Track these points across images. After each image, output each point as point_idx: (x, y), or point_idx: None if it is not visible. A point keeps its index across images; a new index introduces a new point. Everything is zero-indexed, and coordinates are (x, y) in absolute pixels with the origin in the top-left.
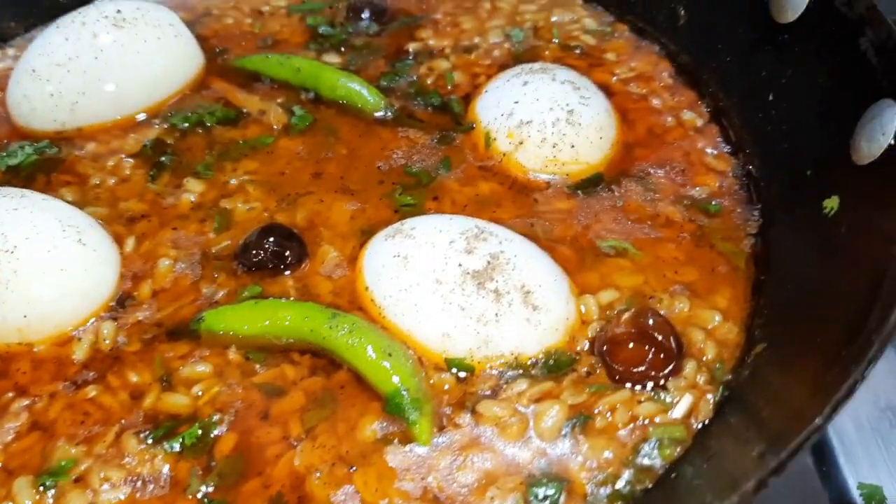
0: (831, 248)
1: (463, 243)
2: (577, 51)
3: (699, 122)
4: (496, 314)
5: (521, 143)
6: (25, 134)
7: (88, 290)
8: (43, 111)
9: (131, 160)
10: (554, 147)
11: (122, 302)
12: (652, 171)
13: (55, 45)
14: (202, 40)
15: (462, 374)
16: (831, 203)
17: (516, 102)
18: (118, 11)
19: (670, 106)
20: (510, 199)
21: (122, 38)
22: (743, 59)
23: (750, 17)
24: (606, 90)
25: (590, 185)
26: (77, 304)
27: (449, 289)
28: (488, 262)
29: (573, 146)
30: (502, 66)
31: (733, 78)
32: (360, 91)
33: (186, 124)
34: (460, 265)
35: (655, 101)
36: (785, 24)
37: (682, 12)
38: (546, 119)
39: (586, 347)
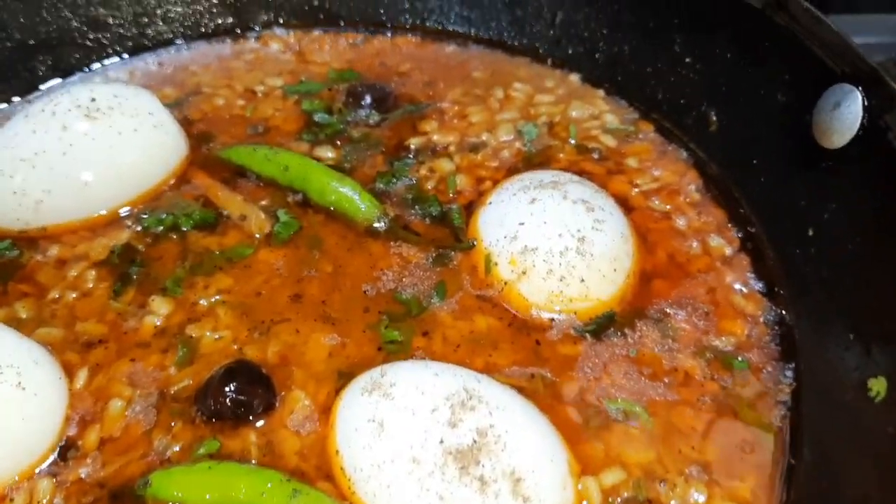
0: (875, 448)
1: (447, 412)
2: (595, 154)
3: (728, 251)
4: None
5: (524, 272)
6: None
7: (26, 441)
8: (5, 209)
9: (94, 272)
10: (561, 280)
11: (64, 453)
12: (671, 311)
13: (21, 137)
14: (188, 123)
15: None
16: (878, 386)
17: (522, 224)
18: (92, 100)
19: (696, 228)
20: (509, 339)
21: (95, 131)
22: (780, 181)
23: (791, 134)
24: (625, 204)
25: (600, 326)
26: (11, 459)
27: (427, 471)
28: (474, 441)
29: (583, 280)
30: (511, 170)
31: (768, 201)
32: (352, 198)
33: (160, 228)
34: (442, 441)
35: (680, 221)
36: (830, 150)
37: (714, 117)
38: (553, 247)
39: None
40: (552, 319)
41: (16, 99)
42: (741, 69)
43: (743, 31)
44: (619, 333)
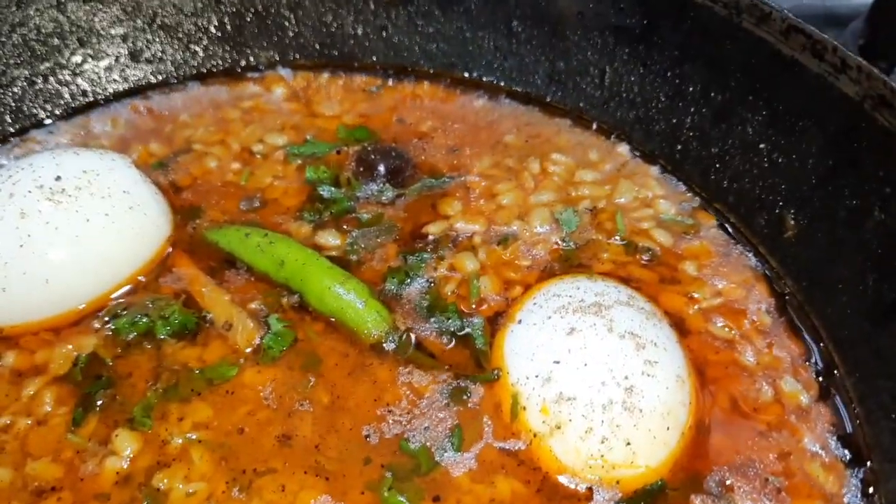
0: None
1: None
2: (646, 256)
3: (804, 399)
4: None
5: (558, 426)
6: None
7: None
8: None
9: (52, 392)
10: (603, 442)
11: None
12: (734, 482)
13: None
14: (174, 191)
15: None
16: None
17: (557, 363)
18: (57, 178)
19: (766, 364)
20: None
21: (58, 218)
22: (871, 315)
23: (888, 258)
24: (680, 326)
25: (648, 502)
26: None
27: None
28: None
29: (629, 443)
30: (546, 273)
31: (855, 338)
32: (357, 308)
33: (133, 334)
34: None
35: (747, 354)
36: None
37: (792, 220)
38: (595, 399)
39: None
40: (590, 489)
41: None
42: (830, 169)
43: (836, 124)
44: None
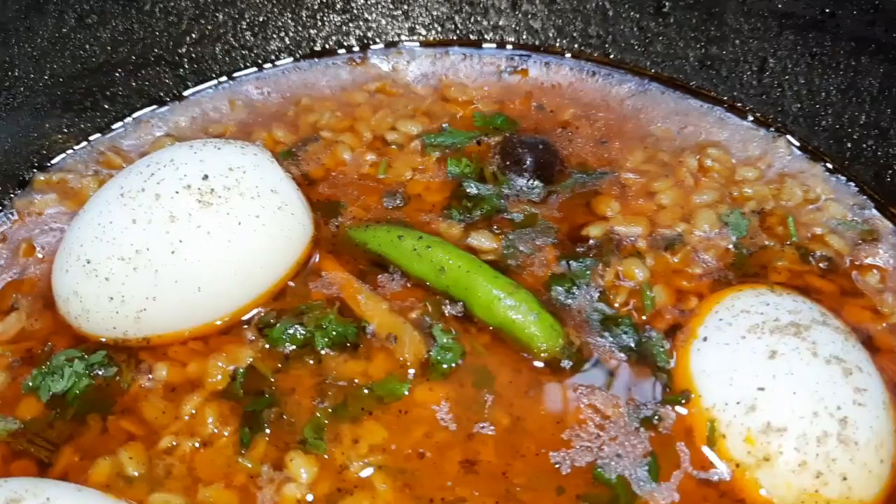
0: None
1: None
2: (823, 264)
3: None
4: None
5: (766, 458)
6: (74, 335)
7: None
8: (99, 316)
9: (213, 410)
10: (818, 478)
11: None
12: None
13: (118, 225)
14: (308, 184)
15: None
16: None
17: (762, 389)
18: (204, 178)
19: None
20: None
21: (209, 222)
22: None
23: None
24: (868, 344)
25: None
26: None
27: None
28: None
29: (845, 478)
30: (719, 283)
31: None
32: (529, 320)
33: (290, 346)
34: None
35: None
36: None
37: None
38: (809, 431)
39: None
40: None
41: (94, 137)
42: None
43: None
44: None
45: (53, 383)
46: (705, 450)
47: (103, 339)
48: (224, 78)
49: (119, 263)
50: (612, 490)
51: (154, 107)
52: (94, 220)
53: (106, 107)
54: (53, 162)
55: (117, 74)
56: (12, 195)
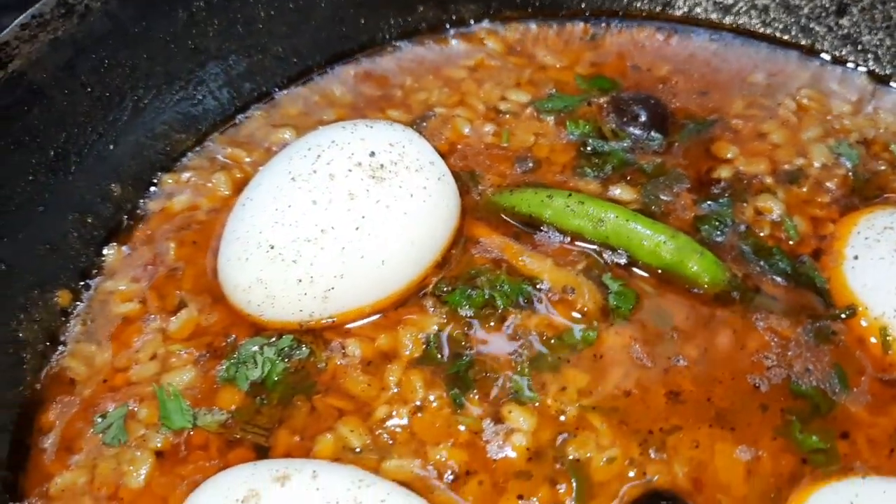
0: None
1: None
2: None
3: None
4: None
5: None
6: (253, 325)
7: None
8: (286, 300)
9: (418, 377)
10: None
11: None
12: None
13: (298, 208)
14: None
15: None
16: None
17: None
18: (371, 154)
19: None
20: None
21: (386, 196)
22: None
23: None
24: None
25: None
26: None
27: None
28: None
29: None
30: (847, 208)
31: None
32: (696, 259)
33: (470, 308)
34: None
35: None
36: None
37: None
38: None
39: None
40: None
41: (212, 135)
42: None
43: None
44: None
45: (249, 371)
46: (882, 347)
47: (283, 327)
48: (323, 64)
49: (306, 245)
50: (812, 400)
51: (258, 103)
52: (269, 206)
53: (219, 101)
54: (179, 163)
55: (226, 71)
56: (144, 199)
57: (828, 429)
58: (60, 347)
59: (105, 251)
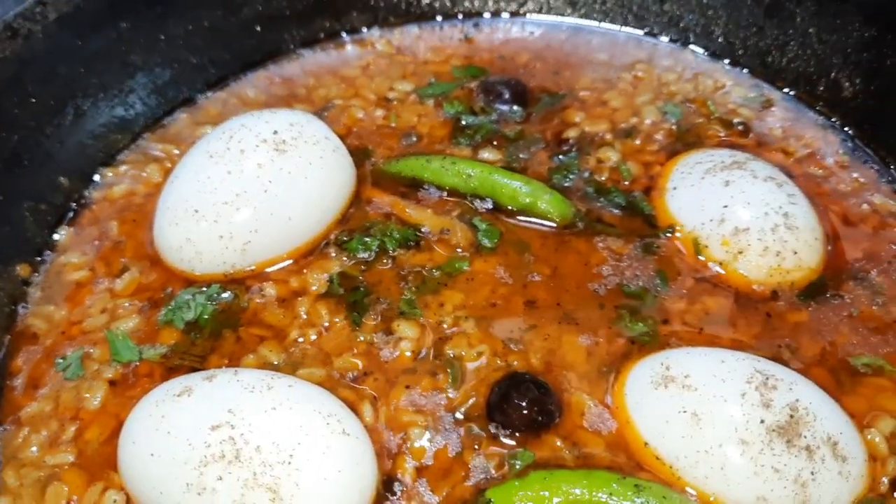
0: None
1: (755, 395)
2: (740, 127)
3: (894, 206)
4: (812, 472)
5: (739, 252)
6: (185, 279)
7: (361, 484)
8: (211, 255)
9: (323, 307)
10: (777, 255)
11: (390, 488)
12: (868, 268)
13: (216, 178)
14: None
15: None
16: None
17: (725, 207)
18: (275, 132)
19: (855, 189)
20: (741, 316)
21: (288, 164)
22: None
23: None
24: (786, 173)
25: (817, 292)
26: (353, 503)
27: (757, 449)
28: (790, 416)
29: (796, 252)
30: (671, 153)
31: None
32: (546, 199)
33: (367, 252)
34: (762, 421)
35: (840, 184)
36: None
37: (846, 83)
38: (764, 226)
39: (886, 487)
40: (774, 292)
41: (145, 134)
42: (873, 37)
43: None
44: (836, 296)
45: (184, 314)
46: (698, 256)
47: (211, 278)
48: (239, 71)
49: (224, 207)
50: (639, 298)
51: (182, 107)
52: (192, 179)
53: (148, 106)
54: (116, 159)
55: (153, 80)
56: (88, 189)
57: (652, 317)
58: (23, 309)
59: (57, 232)
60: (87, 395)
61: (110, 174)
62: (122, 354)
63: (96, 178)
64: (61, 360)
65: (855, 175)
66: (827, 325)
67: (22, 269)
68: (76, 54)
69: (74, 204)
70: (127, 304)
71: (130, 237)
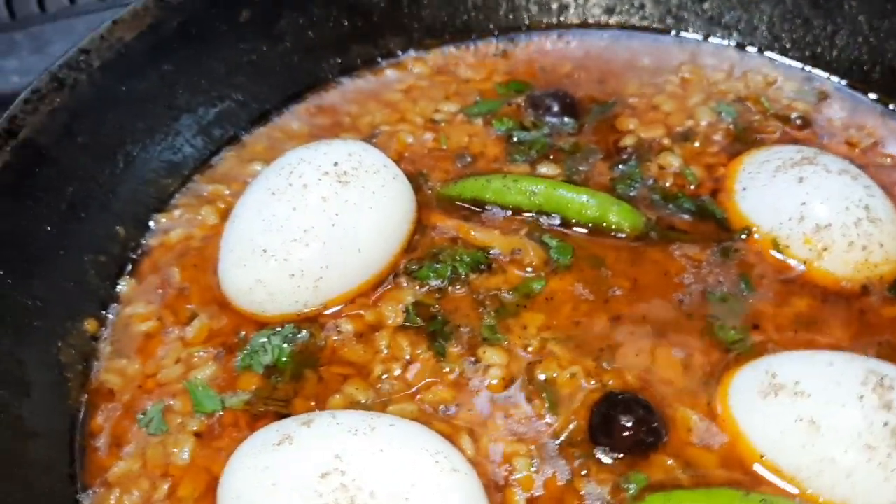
0: None
1: (873, 397)
2: (798, 121)
3: None
4: None
5: (824, 249)
6: (257, 322)
7: None
8: (283, 294)
9: (403, 339)
10: (863, 249)
11: None
12: None
13: (281, 215)
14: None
15: None
16: None
17: (803, 204)
18: (335, 164)
19: None
20: (834, 314)
21: (352, 196)
22: None
23: None
24: (856, 166)
25: None
26: None
27: (885, 454)
28: None
29: (882, 245)
30: (733, 153)
31: None
32: (615, 210)
33: (439, 280)
34: (885, 424)
35: None
36: None
37: None
38: (846, 220)
39: None
40: (864, 287)
41: (195, 176)
42: None
43: None
44: None
45: (261, 357)
46: (777, 256)
47: (283, 318)
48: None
49: (293, 244)
50: (727, 304)
51: (228, 146)
52: (255, 218)
53: (195, 147)
54: (169, 203)
55: (198, 121)
56: (145, 237)
57: (742, 324)
58: (96, 365)
59: (120, 283)
60: (175, 450)
61: (164, 220)
62: (204, 405)
63: (151, 224)
64: (142, 416)
65: None
66: None
67: (89, 325)
68: (122, 100)
69: (133, 253)
70: (201, 353)
71: (194, 282)
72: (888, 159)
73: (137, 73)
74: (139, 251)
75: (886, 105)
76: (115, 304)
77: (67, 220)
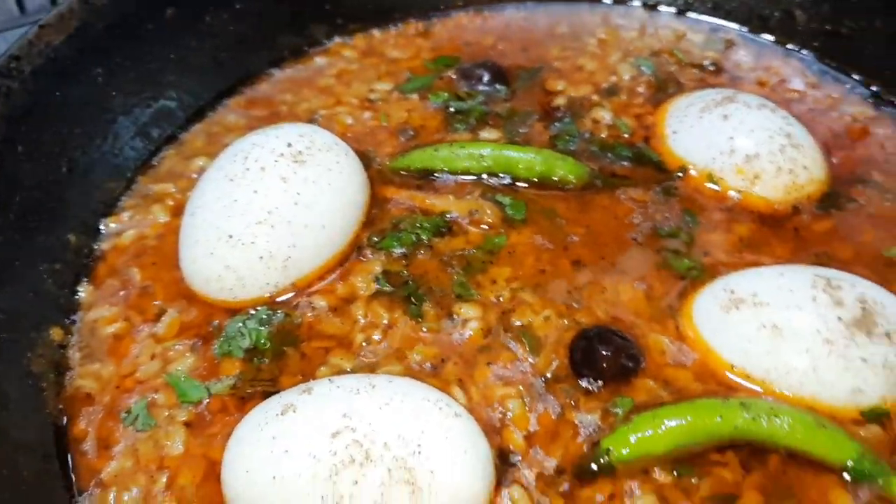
0: None
1: (825, 296)
2: (712, 67)
3: (871, 112)
4: None
5: (755, 176)
6: (227, 309)
7: (484, 462)
8: (253, 278)
9: (378, 307)
10: (790, 173)
11: (506, 460)
12: (868, 170)
13: (243, 201)
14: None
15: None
16: None
17: (731, 138)
18: (289, 145)
19: (831, 104)
20: (773, 235)
21: (310, 174)
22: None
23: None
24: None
25: (833, 200)
26: (483, 481)
27: (843, 345)
28: (863, 308)
29: (805, 167)
30: (657, 102)
31: (882, 62)
32: (561, 164)
33: (403, 248)
34: (840, 319)
35: (816, 104)
36: None
37: (798, 12)
38: (772, 148)
39: None
40: (794, 207)
41: (138, 178)
42: None
43: None
44: (849, 200)
45: (240, 342)
46: (714, 188)
47: (255, 303)
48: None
49: (258, 227)
50: (675, 237)
51: (167, 145)
52: (216, 206)
53: (135, 149)
54: (117, 206)
55: (134, 122)
56: (97, 242)
57: (693, 253)
58: (69, 373)
59: (79, 289)
60: (168, 443)
61: (113, 224)
62: (189, 395)
63: (102, 228)
64: (126, 415)
65: (827, 92)
66: (851, 227)
67: (55, 333)
68: (57, 106)
69: (87, 259)
70: (177, 346)
71: (156, 280)
72: (796, 94)
73: (70, 78)
74: (93, 256)
75: (785, 45)
76: (79, 311)
77: (17, 230)
